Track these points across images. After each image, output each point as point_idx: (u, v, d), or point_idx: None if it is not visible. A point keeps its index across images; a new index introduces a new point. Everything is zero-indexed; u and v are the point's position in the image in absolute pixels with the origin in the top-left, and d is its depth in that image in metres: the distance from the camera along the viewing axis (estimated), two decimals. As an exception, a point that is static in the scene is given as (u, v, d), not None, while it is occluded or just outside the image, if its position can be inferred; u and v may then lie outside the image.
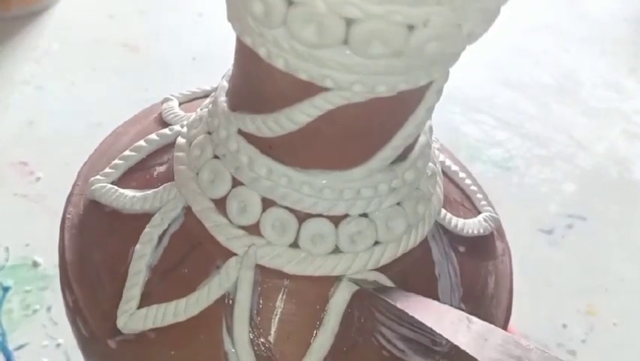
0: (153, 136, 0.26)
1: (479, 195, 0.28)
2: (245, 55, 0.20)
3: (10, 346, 0.41)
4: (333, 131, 0.20)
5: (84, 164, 0.28)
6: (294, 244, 0.22)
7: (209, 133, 0.23)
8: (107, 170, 0.26)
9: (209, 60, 0.66)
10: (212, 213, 0.22)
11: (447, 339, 0.21)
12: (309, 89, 0.19)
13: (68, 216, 0.26)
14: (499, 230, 0.28)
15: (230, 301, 0.22)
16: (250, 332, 0.22)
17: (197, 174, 0.23)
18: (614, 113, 0.70)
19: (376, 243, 0.22)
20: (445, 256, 0.25)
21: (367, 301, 0.23)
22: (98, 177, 0.25)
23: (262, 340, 0.22)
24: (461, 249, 0.26)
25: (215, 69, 0.72)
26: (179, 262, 0.23)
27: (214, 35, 0.70)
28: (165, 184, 0.24)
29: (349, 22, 0.16)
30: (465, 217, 0.26)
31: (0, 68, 0.62)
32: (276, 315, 0.22)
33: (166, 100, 0.28)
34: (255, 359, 0.21)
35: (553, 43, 0.78)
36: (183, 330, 0.22)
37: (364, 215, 0.22)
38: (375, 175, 0.22)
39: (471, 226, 0.26)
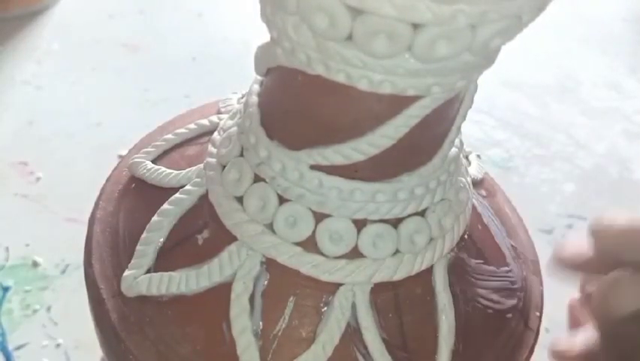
0: (167, 206, 0.24)
1: (482, 149, 0.30)
2: (312, 90, 0.19)
3: (10, 346, 0.41)
4: (418, 133, 0.20)
5: (87, 265, 0.26)
6: (395, 251, 0.22)
7: (264, 181, 0.22)
8: (135, 260, 0.24)
9: (209, 60, 0.66)
10: (303, 256, 0.22)
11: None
12: (399, 102, 0.19)
13: (116, 323, 0.23)
14: None
15: (356, 333, 0.22)
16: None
17: (270, 225, 0.22)
18: (614, 113, 0.70)
19: (431, 240, 0.23)
20: (482, 205, 0.27)
21: (462, 271, 0.24)
22: (130, 271, 0.24)
23: (398, 350, 0.22)
24: (483, 193, 0.28)
25: (215, 69, 0.72)
26: (285, 316, 0.22)
27: (214, 35, 0.70)
28: (228, 247, 0.22)
29: (415, 28, 0.16)
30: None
31: (0, 68, 0.62)
32: (401, 324, 0.22)
33: (136, 164, 0.27)
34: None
35: (553, 43, 0.78)
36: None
37: (419, 213, 0.22)
38: (436, 170, 0.22)
39: (478, 170, 0.28)
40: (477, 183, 0.28)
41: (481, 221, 0.26)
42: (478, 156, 0.29)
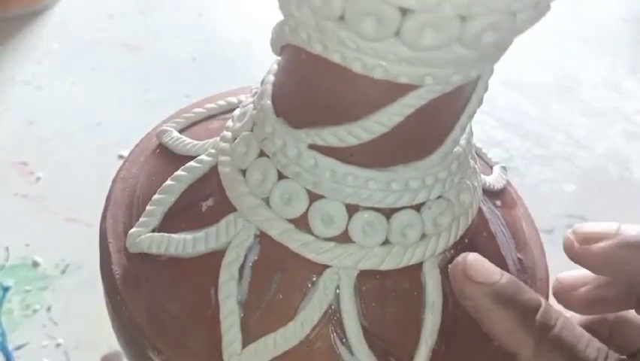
0: (181, 172, 0.25)
1: (484, 150, 0.30)
2: (313, 69, 0.20)
3: (10, 346, 0.41)
4: (415, 125, 0.20)
5: (102, 219, 0.26)
6: (385, 241, 0.22)
7: (267, 156, 0.22)
8: (143, 219, 0.24)
9: (209, 60, 0.66)
10: (294, 233, 0.22)
11: None
12: (394, 90, 0.19)
13: (117, 276, 0.24)
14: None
15: (336, 316, 0.22)
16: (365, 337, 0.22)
17: (266, 199, 0.22)
18: (614, 113, 0.70)
19: (424, 236, 0.23)
20: (492, 213, 0.26)
21: None
22: (137, 228, 0.24)
23: (376, 339, 0.22)
24: (498, 203, 0.27)
25: (215, 69, 0.72)
26: (271, 290, 0.22)
27: (214, 35, 0.70)
28: (227, 217, 0.23)
29: (404, 13, 0.17)
30: (486, 173, 0.28)
31: (0, 68, 0.62)
32: (383, 315, 0.22)
33: (163, 132, 0.27)
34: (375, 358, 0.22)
35: (554, 43, 0.78)
36: (297, 353, 0.22)
37: (439, 196, 0.23)
38: (447, 158, 0.22)
39: (496, 180, 0.28)
40: (494, 193, 0.28)
41: (488, 229, 0.26)
42: (504, 167, 0.29)
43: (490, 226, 0.26)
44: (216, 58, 0.66)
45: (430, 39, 0.17)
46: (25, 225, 0.48)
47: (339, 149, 0.21)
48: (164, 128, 0.28)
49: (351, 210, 0.22)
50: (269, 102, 0.23)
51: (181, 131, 0.28)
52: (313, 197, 0.22)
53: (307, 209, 0.22)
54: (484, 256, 0.25)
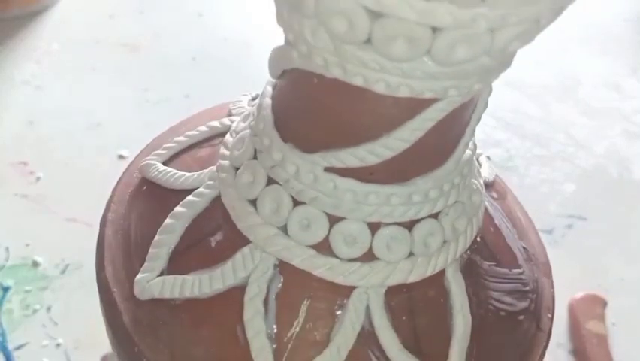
0: (180, 209, 0.24)
1: (478, 151, 0.30)
2: (327, 92, 0.19)
3: (10, 346, 0.41)
4: (434, 136, 0.20)
5: (99, 268, 0.25)
6: (409, 254, 0.22)
7: (278, 183, 0.22)
8: (148, 263, 0.24)
9: (209, 60, 0.66)
10: (317, 259, 0.21)
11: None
12: (415, 105, 0.19)
13: (129, 326, 0.23)
14: None
15: (371, 336, 0.22)
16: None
17: (283, 227, 0.22)
18: (614, 113, 0.70)
19: (445, 242, 0.23)
20: (493, 207, 0.26)
21: (474, 274, 0.23)
22: (143, 274, 0.23)
23: (410, 352, 0.22)
24: (494, 195, 0.27)
25: (215, 69, 0.72)
26: (300, 319, 0.22)
27: (214, 35, 0.70)
28: (241, 250, 0.22)
29: (435, 31, 0.16)
30: None
31: (0, 68, 0.62)
32: (414, 326, 0.22)
33: (147, 166, 0.27)
34: None
35: (554, 43, 0.78)
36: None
37: (433, 216, 0.22)
38: (451, 172, 0.22)
39: (489, 172, 0.28)
40: (488, 185, 0.27)
41: (493, 223, 0.25)
42: (488, 157, 0.29)
43: (495, 220, 0.26)
44: (216, 58, 0.66)
45: (461, 54, 0.16)
46: (25, 225, 0.48)
47: (359, 169, 0.20)
48: (147, 162, 0.26)
49: (374, 227, 0.21)
50: (273, 128, 0.22)
51: (165, 163, 0.26)
52: (333, 220, 0.21)
53: (328, 232, 0.21)
54: (494, 251, 0.25)
